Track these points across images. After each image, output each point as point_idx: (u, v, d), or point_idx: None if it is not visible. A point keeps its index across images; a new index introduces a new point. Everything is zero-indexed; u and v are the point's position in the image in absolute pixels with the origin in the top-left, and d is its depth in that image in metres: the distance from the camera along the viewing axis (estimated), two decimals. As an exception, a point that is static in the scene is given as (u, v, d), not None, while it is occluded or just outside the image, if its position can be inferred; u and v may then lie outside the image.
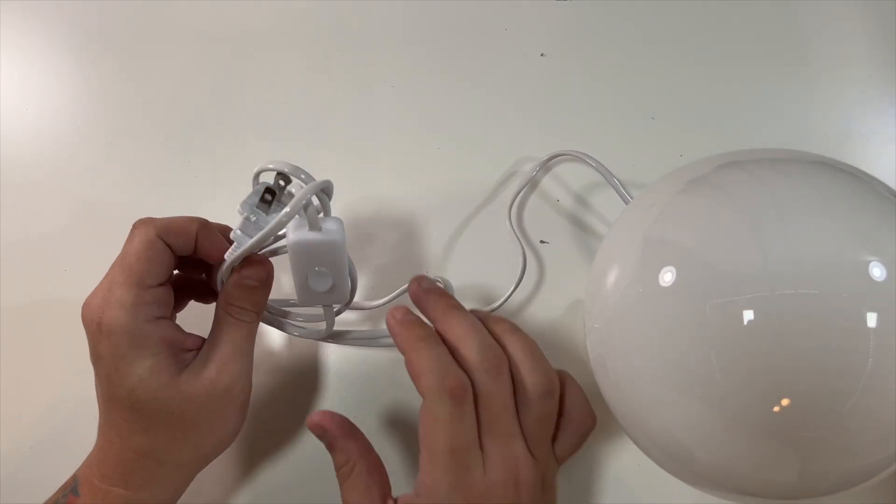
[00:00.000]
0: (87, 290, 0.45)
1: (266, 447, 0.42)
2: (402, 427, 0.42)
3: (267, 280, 0.35)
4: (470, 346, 0.31)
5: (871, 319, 0.24)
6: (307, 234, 0.32)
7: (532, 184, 0.45)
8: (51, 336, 0.45)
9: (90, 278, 0.45)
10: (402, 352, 0.32)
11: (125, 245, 0.33)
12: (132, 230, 0.33)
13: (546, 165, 0.44)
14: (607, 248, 0.32)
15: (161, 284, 0.33)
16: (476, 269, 0.44)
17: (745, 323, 0.25)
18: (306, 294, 0.35)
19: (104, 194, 0.47)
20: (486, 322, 0.34)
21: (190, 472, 0.35)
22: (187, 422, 0.33)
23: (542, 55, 0.48)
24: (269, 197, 0.33)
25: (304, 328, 0.41)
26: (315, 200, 0.32)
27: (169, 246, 0.33)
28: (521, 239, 0.42)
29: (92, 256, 0.46)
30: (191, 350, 0.34)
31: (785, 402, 0.25)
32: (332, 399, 0.43)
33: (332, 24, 0.49)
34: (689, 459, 0.28)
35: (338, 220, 0.33)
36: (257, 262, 0.35)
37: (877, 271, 0.25)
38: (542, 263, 0.44)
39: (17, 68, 0.49)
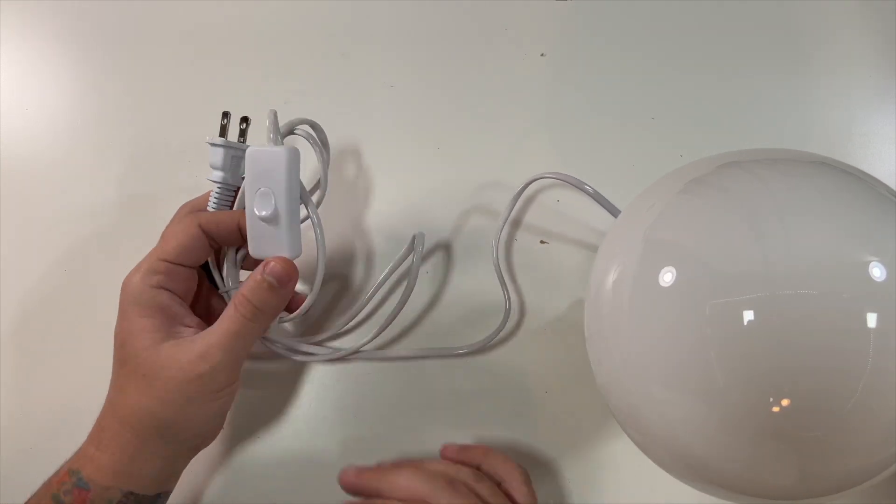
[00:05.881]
0: (86, 290, 0.45)
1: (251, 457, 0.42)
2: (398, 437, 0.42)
3: (285, 282, 0.35)
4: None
5: (872, 320, 0.24)
6: (262, 146, 0.35)
7: (525, 198, 0.45)
8: (51, 336, 0.45)
9: (90, 278, 0.46)
10: (374, 487, 0.34)
11: (170, 223, 0.37)
12: (181, 216, 0.37)
13: (531, 183, 0.43)
14: (607, 249, 0.32)
15: (181, 264, 0.36)
16: (475, 270, 0.44)
17: (745, 323, 0.25)
18: (254, 228, 0.35)
19: (103, 194, 0.47)
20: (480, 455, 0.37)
21: (149, 447, 0.34)
22: (154, 390, 0.33)
23: (542, 55, 0.48)
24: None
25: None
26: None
27: (211, 238, 0.37)
28: (506, 284, 0.42)
29: (91, 256, 0.46)
30: (189, 327, 0.36)
31: (785, 402, 0.25)
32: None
33: (332, 25, 0.49)
34: (689, 459, 0.28)
35: (295, 148, 0.35)
36: (284, 262, 0.35)
37: (877, 271, 0.25)
38: (542, 264, 0.44)
39: (16, 68, 0.49)
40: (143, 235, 0.41)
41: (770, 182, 0.27)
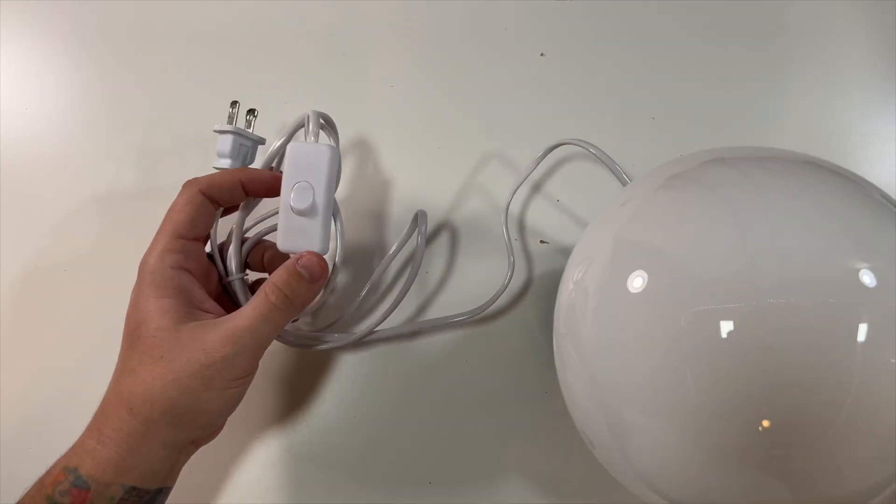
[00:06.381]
0: (87, 290, 0.45)
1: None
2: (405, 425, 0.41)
3: (317, 277, 0.35)
4: None
5: (861, 331, 0.22)
6: (304, 142, 0.35)
7: (533, 183, 0.44)
8: (51, 336, 0.45)
9: (90, 278, 0.46)
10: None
11: (173, 201, 0.36)
12: (181, 188, 0.36)
13: (546, 161, 0.43)
14: (577, 252, 0.30)
15: (197, 239, 0.36)
16: (475, 269, 0.43)
17: (725, 335, 0.23)
18: (287, 221, 0.35)
19: (103, 194, 0.47)
20: None
21: (156, 436, 0.32)
22: (172, 372, 0.32)
23: (542, 55, 0.47)
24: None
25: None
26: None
27: (214, 200, 0.36)
28: (510, 243, 0.42)
29: (92, 257, 0.46)
30: (209, 312, 0.34)
31: (766, 423, 0.23)
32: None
33: (332, 25, 0.49)
34: (663, 487, 0.25)
35: (337, 147, 0.36)
36: (318, 257, 0.35)
37: (866, 278, 0.22)
38: (542, 264, 0.43)
39: (16, 68, 0.50)
40: (142, 234, 0.41)
41: (756, 180, 0.25)
